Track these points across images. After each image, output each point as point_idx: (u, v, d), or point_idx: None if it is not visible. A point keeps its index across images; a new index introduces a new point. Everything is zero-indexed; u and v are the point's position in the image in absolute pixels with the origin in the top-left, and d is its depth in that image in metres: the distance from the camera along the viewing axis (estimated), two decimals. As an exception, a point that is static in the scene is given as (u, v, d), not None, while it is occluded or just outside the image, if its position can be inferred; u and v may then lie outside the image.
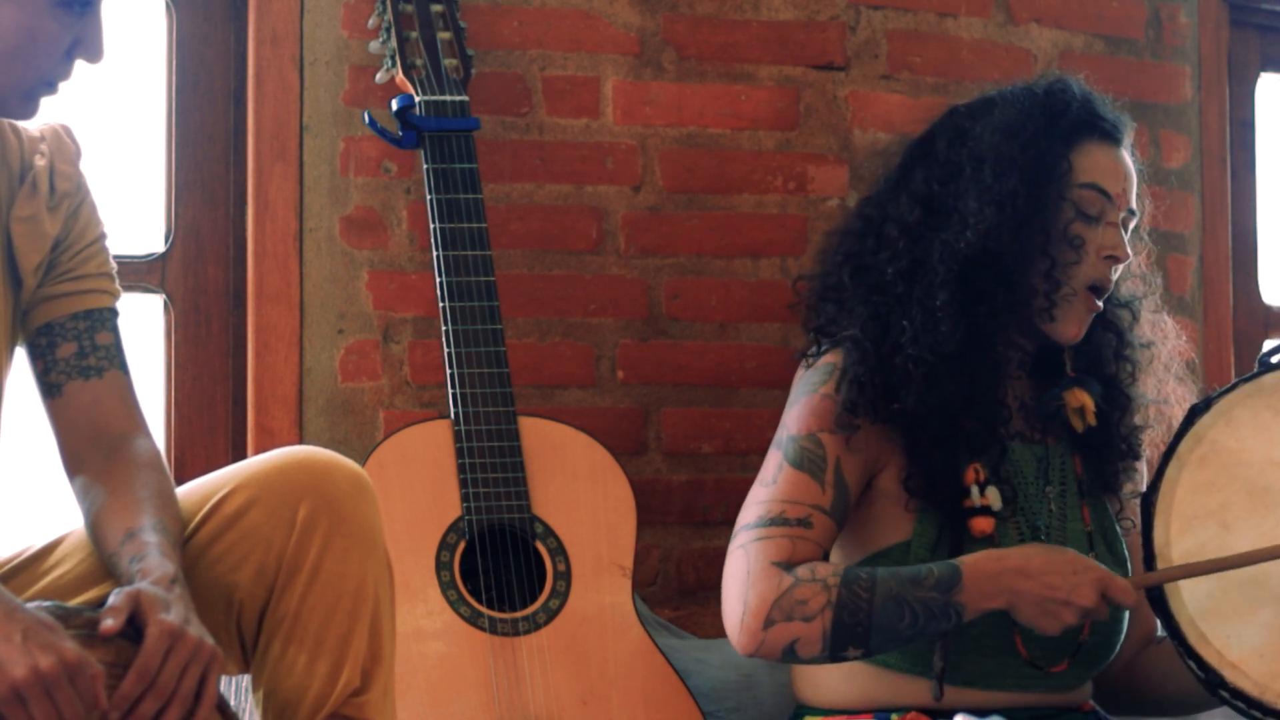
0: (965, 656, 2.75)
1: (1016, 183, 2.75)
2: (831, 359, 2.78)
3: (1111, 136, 2.84)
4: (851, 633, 2.63)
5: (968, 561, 2.66)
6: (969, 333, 2.73)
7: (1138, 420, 2.90)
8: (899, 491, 2.76)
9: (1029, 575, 2.63)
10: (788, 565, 2.66)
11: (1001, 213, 2.74)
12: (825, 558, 2.73)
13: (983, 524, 2.75)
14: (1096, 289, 2.79)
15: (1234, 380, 2.78)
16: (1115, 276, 2.82)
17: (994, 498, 2.76)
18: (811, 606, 2.63)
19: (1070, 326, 2.79)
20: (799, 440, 2.74)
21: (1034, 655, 2.76)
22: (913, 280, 2.77)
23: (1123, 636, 2.84)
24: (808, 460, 2.73)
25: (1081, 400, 2.83)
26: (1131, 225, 2.84)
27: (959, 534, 2.74)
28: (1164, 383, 2.93)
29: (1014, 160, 2.76)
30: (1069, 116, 2.81)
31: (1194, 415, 2.73)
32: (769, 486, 2.74)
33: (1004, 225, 2.74)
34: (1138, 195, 2.86)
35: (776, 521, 2.70)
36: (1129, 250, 2.81)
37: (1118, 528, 2.90)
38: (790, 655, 2.66)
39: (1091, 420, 2.83)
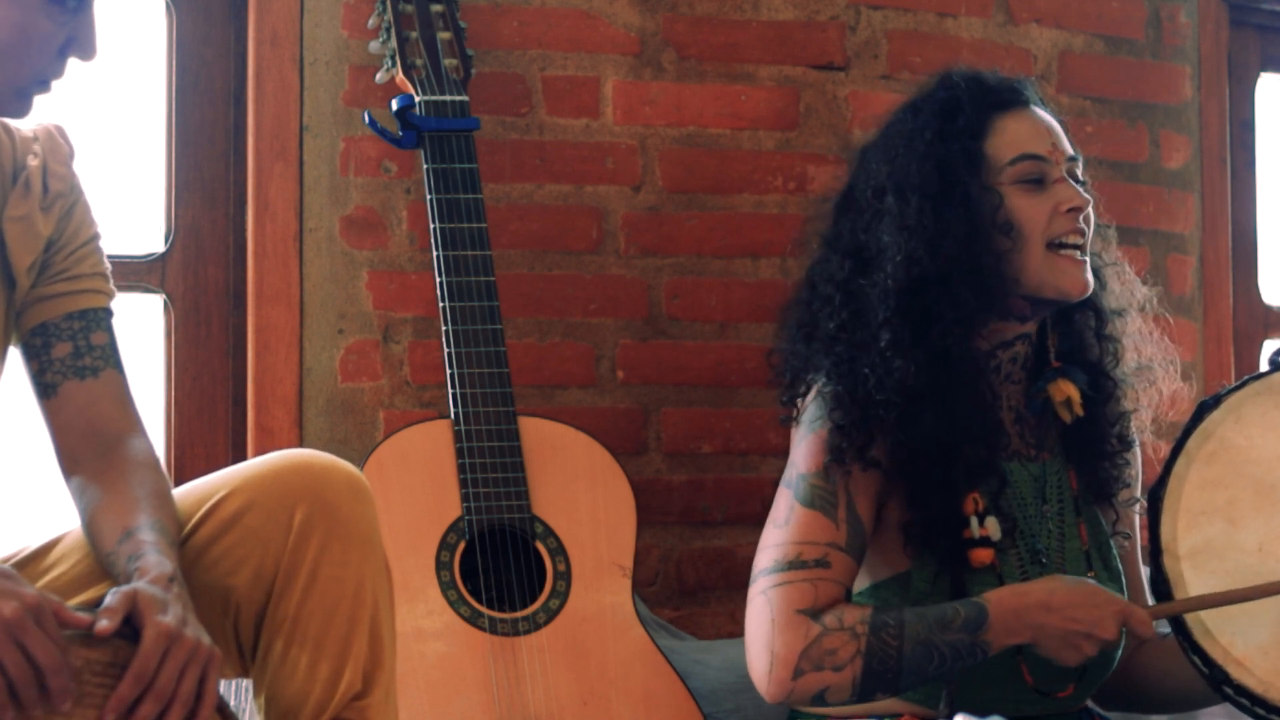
0: (971, 685, 2.73)
1: (920, 201, 2.74)
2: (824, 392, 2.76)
3: (1015, 101, 2.81)
4: (881, 679, 2.62)
5: (993, 599, 2.64)
6: (932, 360, 2.70)
7: (1125, 406, 2.88)
8: (899, 527, 2.75)
9: (1053, 610, 2.62)
10: (813, 612, 2.63)
11: (914, 237, 2.73)
12: (848, 594, 2.71)
13: (982, 555, 2.72)
14: (1062, 244, 2.75)
15: (1244, 378, 2.78)
16: (1088, 227, 2.77)
17: (993, 528, 2.74)
18: (841, 656, 2.62)
19: (1061, 282, 2.75)
20: (809, 478, 2.70)
21: (1039, 682, 2.75)
22: (856, 328, 2.75)
23: (1120, 652, 2.84)
24: (819, 498, 2.69)
25: (1067, 392, 2.81)
26: (1079, 170, 2.82)
27: (959, 566, 2.73)
28: (1142, 346, 2.91)
29: (913, 181, 2.75)
30: (964, 111, 2.78)
31: (1203, 411, 2.72)
32: (782, 528, 2.70)
33: (920, 248, 2.72)
34: (1069, 139, 2.83)
35: (794, 565, 2.66)
36: (1086, 196, 2.77)
37: (1111, 543, 2.88)
38: (819, 701, 2.65)
39: (1079, 411, 2.82)
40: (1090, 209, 2.79)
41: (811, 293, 2.86)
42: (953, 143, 2.77)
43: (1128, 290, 2.92)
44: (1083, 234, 2.77)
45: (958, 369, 2.73)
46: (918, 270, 2.72)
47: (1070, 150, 2.80)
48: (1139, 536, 2.92)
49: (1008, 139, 2.78)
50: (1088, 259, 2.78)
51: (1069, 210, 2.75)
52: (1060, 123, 2.85)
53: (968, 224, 2.73)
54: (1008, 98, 2.81)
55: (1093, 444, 2.87)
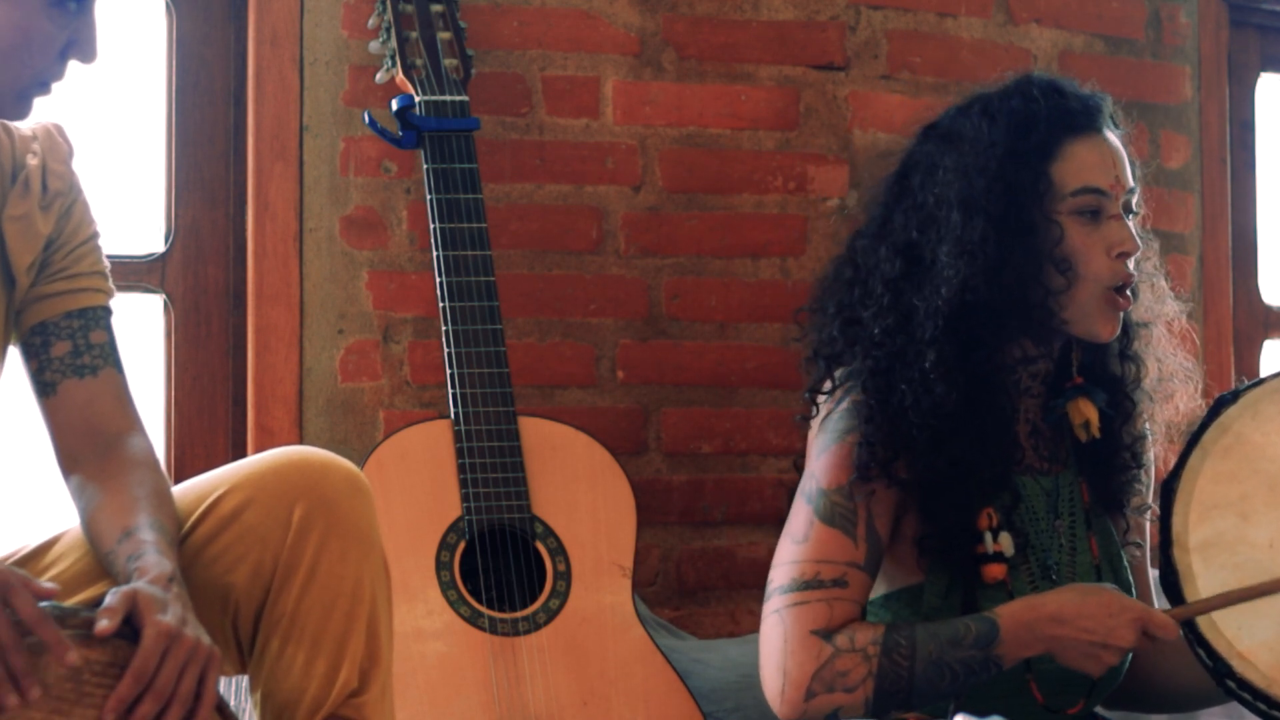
0: (979, 703, 2.72)
1: (985, 226, 2.67)
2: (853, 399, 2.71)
3: (1089, 126, 2.73)
4: (893, 699, 2.61)
5: (1004, 613, 2.62)
6: (971, 382, 2.67)
7: (1143, 424, 2.86)
8: (915, 541, 2.72)
9: (1064, 621, 2.60)
10: (826, 633, 2.61)
11: (974, 262, 2.67)
12: (863, 612, 2.69)
13: (995, 570, 2.69)
14: (1117, 288, 2.71)
15: (1262, 375, 2.78)
16: (1133, 268, 2.73)
17: (1006, 543, 2.70)
18: (853, 677, 2.59)
19: (1096, 326, 2.71)
20: (830, 494, 2.66)
21: (1049, 699, 2.74)
22: (899, 336, 2.70)
23: (1128, 662, 2.83)
24: (839, 516, 2.65)
25: (1086, 414, 2.76)
26: (1135, 201, 2.75)
27: (972, 580, 2.71)
28: (1165, 361, 2.88)
29: (980, 202, 2.68)
30: (1038, 129, 2.70)
31: (1220, 406, 2.72)
32: (800, 544, 2.66)
33: (978, 275, 2.66)
34: (1132, 164, 2.76)
35: (812, 585, 2.62)
36: (1138, 240, 2.71)
37: (1123, 554, 2.86)
38: (832, 719, 2.64)
39: (1096, 434, 2.79)
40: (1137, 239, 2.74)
41: (854, 275, 2.79)
42: (1023, 164, 2.69)
43: (1159, 301, 2.87)
44: (1132, 277, 2.72)
45: (986, 389, 2.70)
46: (972, 297, 2.66)
47: (1130, 181, 2.73)
48: (1150, 545, 2.91)
49: (1075, 166, 2.70)
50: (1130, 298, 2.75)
51: (1118, 255, 2.69)
52: (1127, 142, 2.78)
53: (1027, 257, 2.68)
54: (1082, 121, 2.72)
55: (1107, 459, 2.84)
